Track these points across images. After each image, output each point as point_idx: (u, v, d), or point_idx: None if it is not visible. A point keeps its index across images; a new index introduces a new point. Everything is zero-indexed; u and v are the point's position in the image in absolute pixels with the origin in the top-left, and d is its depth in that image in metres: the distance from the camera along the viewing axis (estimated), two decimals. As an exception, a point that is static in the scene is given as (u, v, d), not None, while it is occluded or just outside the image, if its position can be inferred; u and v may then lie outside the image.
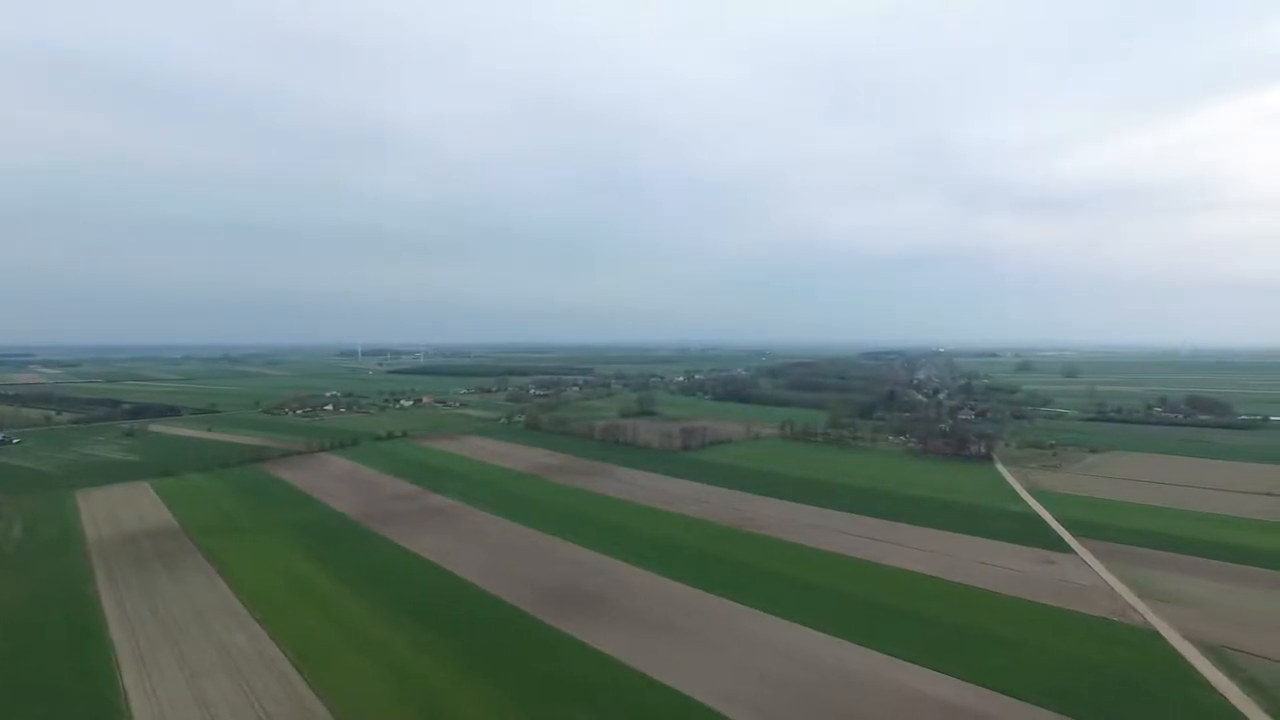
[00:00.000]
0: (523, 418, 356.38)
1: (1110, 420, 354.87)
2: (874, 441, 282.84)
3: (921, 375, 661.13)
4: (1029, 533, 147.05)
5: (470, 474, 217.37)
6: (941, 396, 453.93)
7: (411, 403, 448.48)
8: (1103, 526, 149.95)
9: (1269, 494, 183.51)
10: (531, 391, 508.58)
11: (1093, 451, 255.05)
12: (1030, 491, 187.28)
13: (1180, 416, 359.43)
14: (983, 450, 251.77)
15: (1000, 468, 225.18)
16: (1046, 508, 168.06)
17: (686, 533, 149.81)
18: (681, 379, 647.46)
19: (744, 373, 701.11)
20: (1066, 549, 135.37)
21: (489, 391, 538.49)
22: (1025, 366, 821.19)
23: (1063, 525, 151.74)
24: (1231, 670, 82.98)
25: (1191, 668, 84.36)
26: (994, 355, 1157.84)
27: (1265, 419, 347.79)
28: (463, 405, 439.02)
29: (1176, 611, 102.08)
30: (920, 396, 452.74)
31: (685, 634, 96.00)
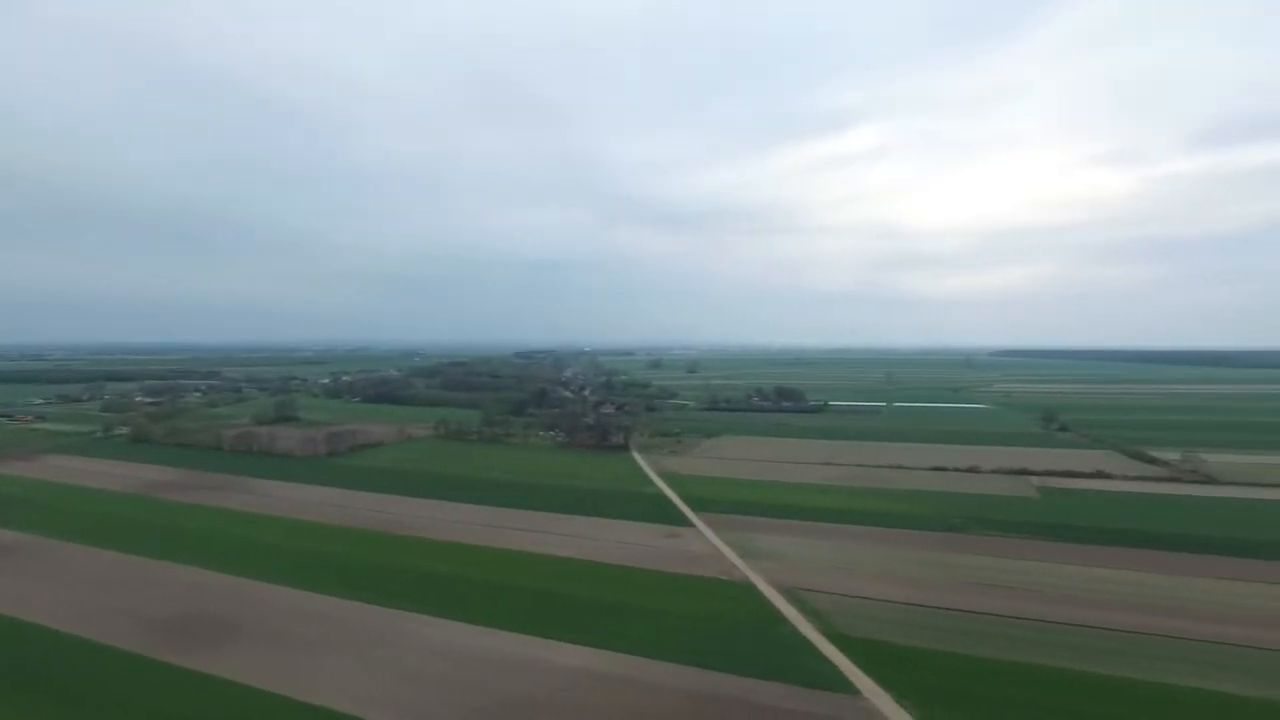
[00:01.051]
0: (126, 430, 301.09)
1: (721, 409, 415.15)
2: (526, 438, 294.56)
3: (569, 373, 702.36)
4: (658, 512, 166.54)
5: (52, 501, 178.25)
6: (586, 393, 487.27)
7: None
8: (716, 501, 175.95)
9: (828, 464, 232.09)
10: (138, 399, 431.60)
11: (708, 437, 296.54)
12: (660, 475, 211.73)
13: (770, 404, 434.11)
14: (621, 441, 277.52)
15: (636, 455, 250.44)
16: (673, 488, 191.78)
17: (331, 542, 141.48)
18: (327, 381, 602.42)
19: (396, 373, 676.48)
20: (688, 523, 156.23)
21: (77, 400, 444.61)
22: (656, 364, 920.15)
23: (685, 503, 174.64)
24: (801, 605, 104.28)
25: (775, 609, 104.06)
26: (631, 354, 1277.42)
27: (826, 403, 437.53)
28: (39, 419, 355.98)
29: (766, 565, 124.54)
30: (568, 393, 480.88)
31: (331, 647, 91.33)
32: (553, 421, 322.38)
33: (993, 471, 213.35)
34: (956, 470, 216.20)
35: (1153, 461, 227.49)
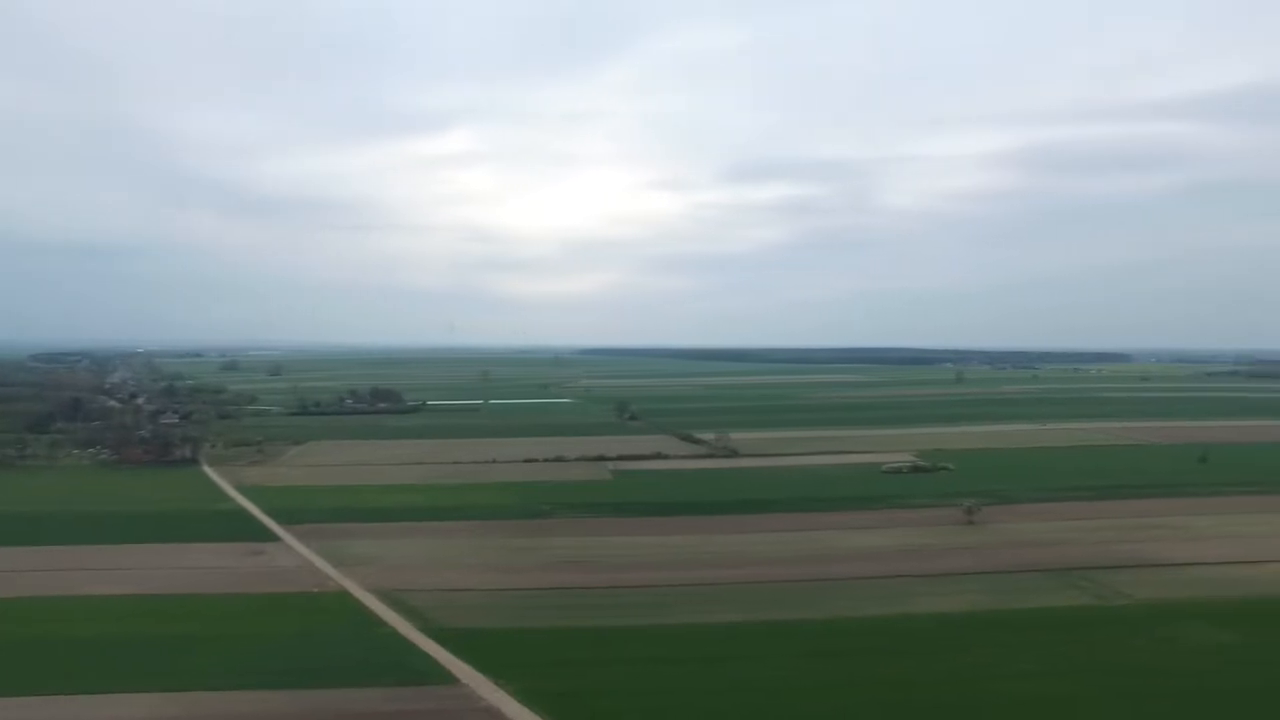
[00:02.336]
0: None
1: (311, 414, 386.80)
2: (55, 458, 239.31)
3: (116, 379, 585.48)
4: (238, 529, 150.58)
5: None
6: (140, 401, 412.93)
7: None
8: (306, 510, 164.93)
9: (424, 463, 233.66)
10: None
11: (296, 444, 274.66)
12: (238, 489, 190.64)
13: (366, 406, 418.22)
14: (188, 454, 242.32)
15: (207, 469, 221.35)
16: (254, 502, 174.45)
17: None
18: None
19: None
20: (274, 538, 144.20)
21: None
22: (231, 366, 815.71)
23: (270, 516, 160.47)
24: (400, 606, 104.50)
25: (372, 614, 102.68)
26: (200, 355, 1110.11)
27: (424, 403, 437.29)
28: None
29: (362, 571, 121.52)
30: (114, 402, 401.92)
31: None
32: (93, 437, 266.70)
33: (576, 460, 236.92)
34: (545, 461, 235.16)
35: (697, 442, 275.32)
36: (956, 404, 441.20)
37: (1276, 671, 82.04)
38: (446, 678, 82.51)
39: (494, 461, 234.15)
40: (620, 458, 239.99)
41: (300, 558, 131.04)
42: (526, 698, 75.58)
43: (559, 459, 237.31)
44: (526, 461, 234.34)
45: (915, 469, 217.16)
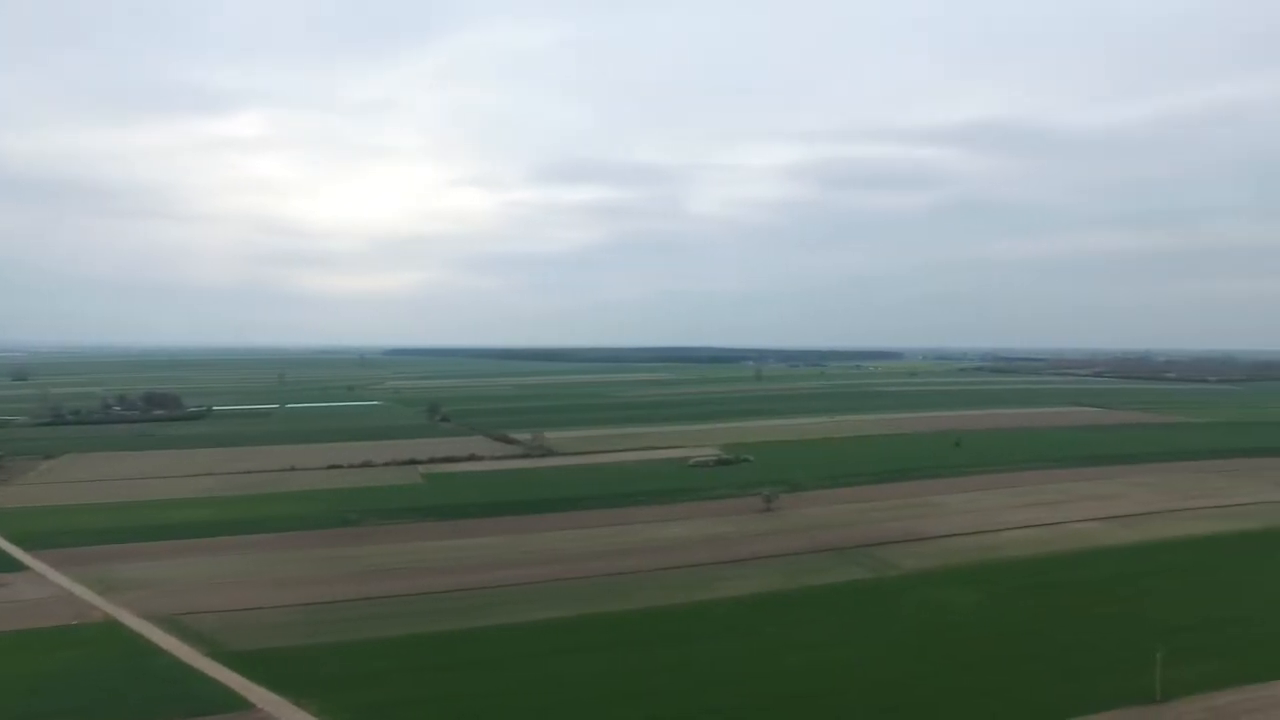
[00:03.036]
0: None
1: (68, 423, 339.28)
2: None
3: None
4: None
5: None
6: None
7: None
8: (61, 533, 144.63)
9: (210, 474, 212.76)
10: None
11: (48, 458, 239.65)
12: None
13: (138, 413, 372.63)
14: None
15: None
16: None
17: None
18: None
19: None
20: (21, 567, 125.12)
21: None
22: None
23: (13, 542, 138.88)
24: (182, 632, 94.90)
25: (149, 643, 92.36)
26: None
27: (210, 409, 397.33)
28: None
29: (135, 596, 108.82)
30: None
31: None
32: None
33: (385, 464, 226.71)
34: (351, 467, 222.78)
35: (512, 442, 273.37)
36: (756, 400, 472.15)
37: (1011, 620, 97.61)
38: (240, 704, 76.45)
39: (293, 469, 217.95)
40: (432, 460, 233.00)
41: (54, 587, 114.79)
42: (331, 715, 72.11)
43: (366, 464, 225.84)
44: (330, 468, 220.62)
45: (720, 462, 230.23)
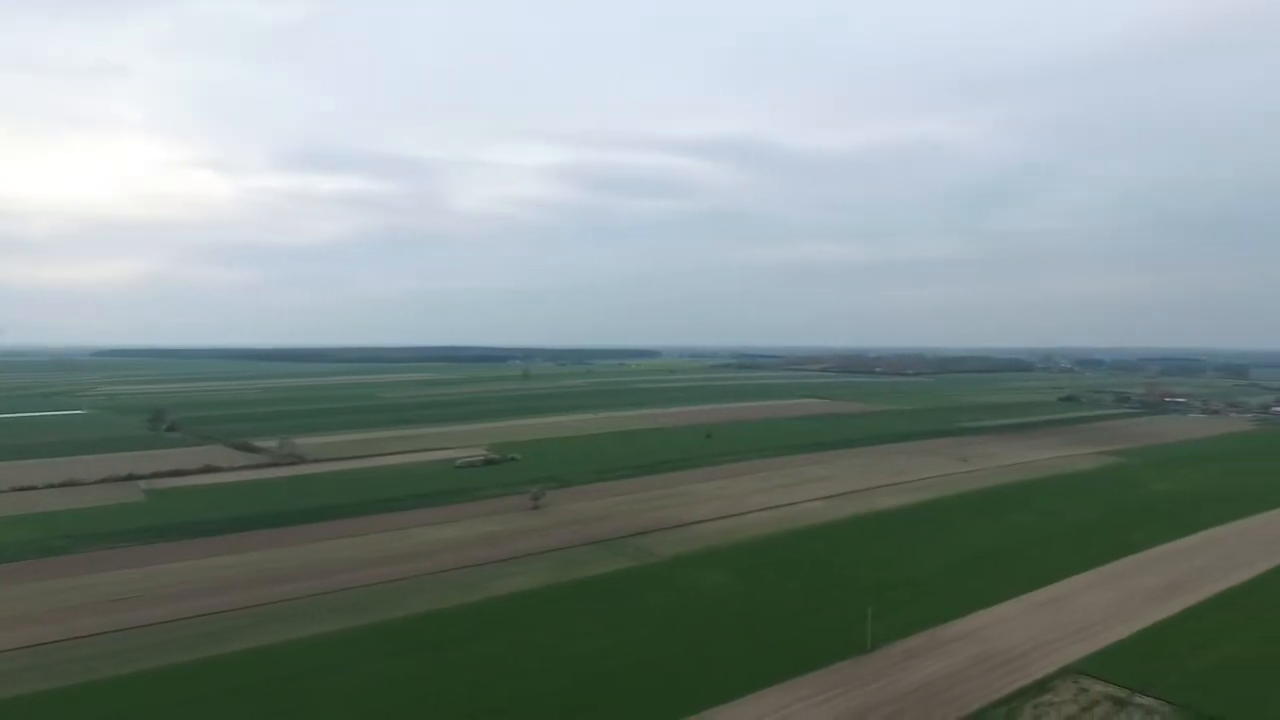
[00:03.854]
0: None
1: None
2: None
3: None
4: None
5: None
6: None
7: None
8: None
9: None
10: None
11: None
12: None
13: None
14: None
15: None
16: None
17: None
18: None
19: None
20: None
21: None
22: None
23: None
24: None
25: None
26: None
27: None
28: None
29: None
30: None
31: None
32: None
33: (97, 482, 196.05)
34: (50, 487, 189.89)
35: (257, 450, 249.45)
36: (524, 399, 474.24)
37: (754, 594, 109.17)
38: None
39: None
40: (156, 475, 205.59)
41: None
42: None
43: (71, 483, 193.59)
44: (22, 490, 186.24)
45: (487, 462, 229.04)
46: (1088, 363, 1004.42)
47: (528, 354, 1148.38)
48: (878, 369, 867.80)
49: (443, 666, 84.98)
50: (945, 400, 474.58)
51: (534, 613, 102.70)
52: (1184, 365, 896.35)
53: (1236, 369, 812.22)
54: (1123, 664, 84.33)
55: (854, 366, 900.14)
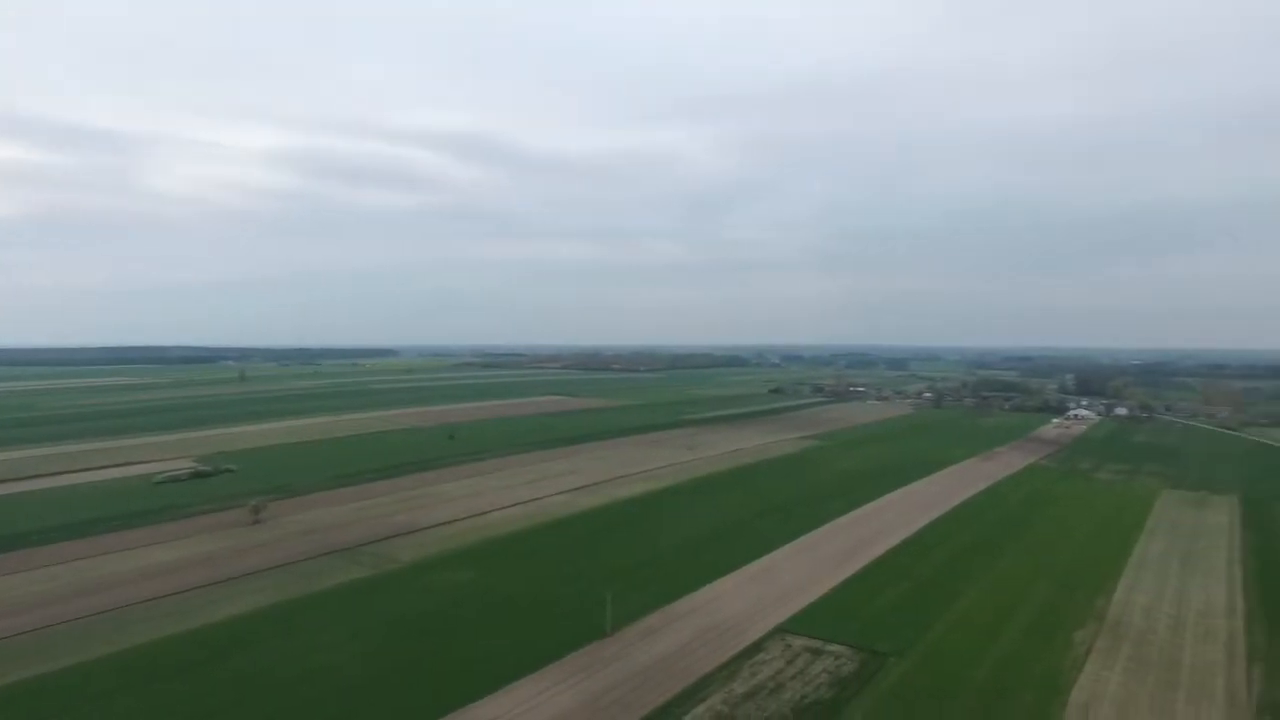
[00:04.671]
0: None
1: None
2: None
3: None
4: None
5: None
6: None
7: None
8: None
9: None
10: None
11: None
12: None
13: None
14: None
15: None
16: None
17: None
18: None
19: None
20: None
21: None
22: None
23: None
24: None
25: None
26: None
27: None
28: None
29: None
30: None
31: None
32: None
33: None
34: None
35: None
36: (241, 403, 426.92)
37: (500, 591, 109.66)
38: None
39: None
40: None
41: None
42: None
43: None
44: None
45: (196, 475, 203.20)
46: (792, 358, 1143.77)
47: (244, 354, 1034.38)
48: (615, 366, 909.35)
49: (173, 700, 74.66)
50: (675, 394, 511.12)
51: (265, 632, 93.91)
52: (862, 359, 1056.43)
53: (899, 362, 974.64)
54: (818, 619, 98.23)
55: (592, 364, 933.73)
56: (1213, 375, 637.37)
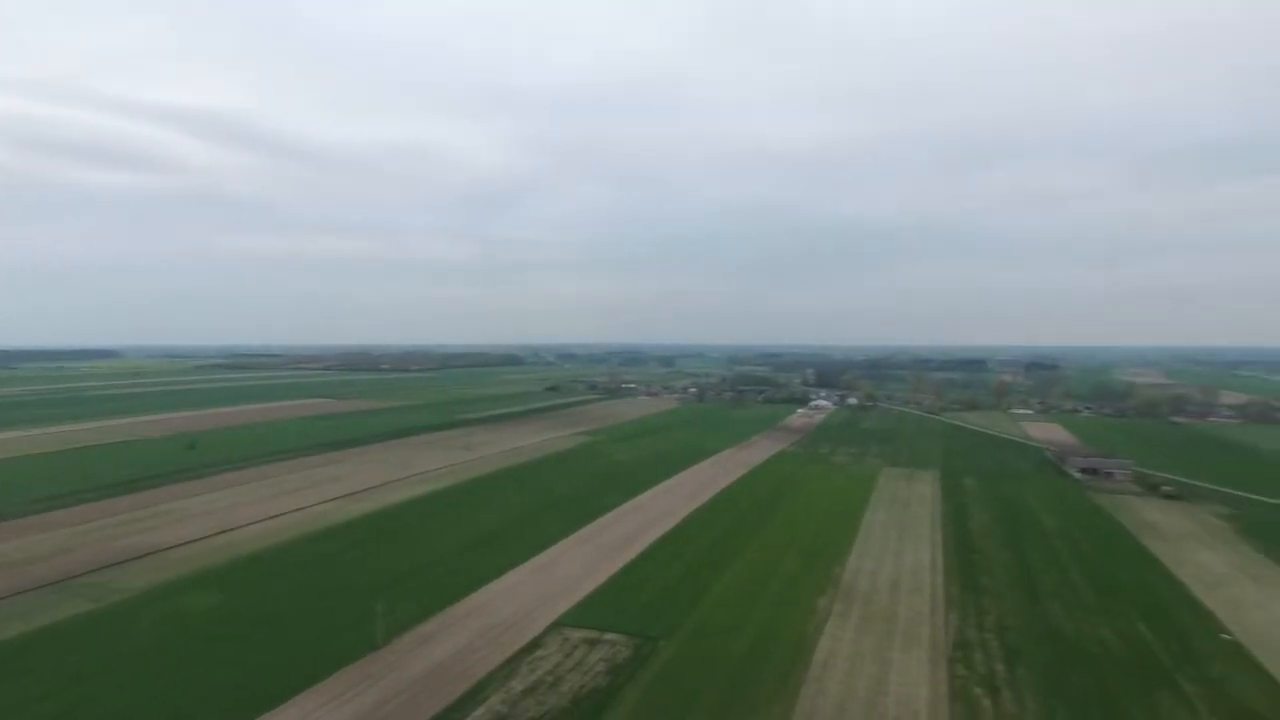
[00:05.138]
0: None
1: None
2: None
3: None
4: None
5: None
6: None
7: None
8: None
9: None
10: None
11: None
12: None
13: None
14: None
15: None
16: None
17: None
18: None
19: None
20: None
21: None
22: None
23: None
24: None
25: None
26: None
27: None
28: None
29: None
30: None
31: None
32: None
33: None
34: None
35: None
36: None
37: (253, 612, 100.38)
38: None
39: None
40: None
41: None
42: None
43: None
44: None
45: None
46: (566, 355, 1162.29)
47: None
48: (384, 366, 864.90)
49: None
50: (450, 394, 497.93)
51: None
52: (634, 357, 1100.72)
53: (668, 359, 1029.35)
54: (594, 610, 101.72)
55: (360, 364, 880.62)
56: (920, 369, 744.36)
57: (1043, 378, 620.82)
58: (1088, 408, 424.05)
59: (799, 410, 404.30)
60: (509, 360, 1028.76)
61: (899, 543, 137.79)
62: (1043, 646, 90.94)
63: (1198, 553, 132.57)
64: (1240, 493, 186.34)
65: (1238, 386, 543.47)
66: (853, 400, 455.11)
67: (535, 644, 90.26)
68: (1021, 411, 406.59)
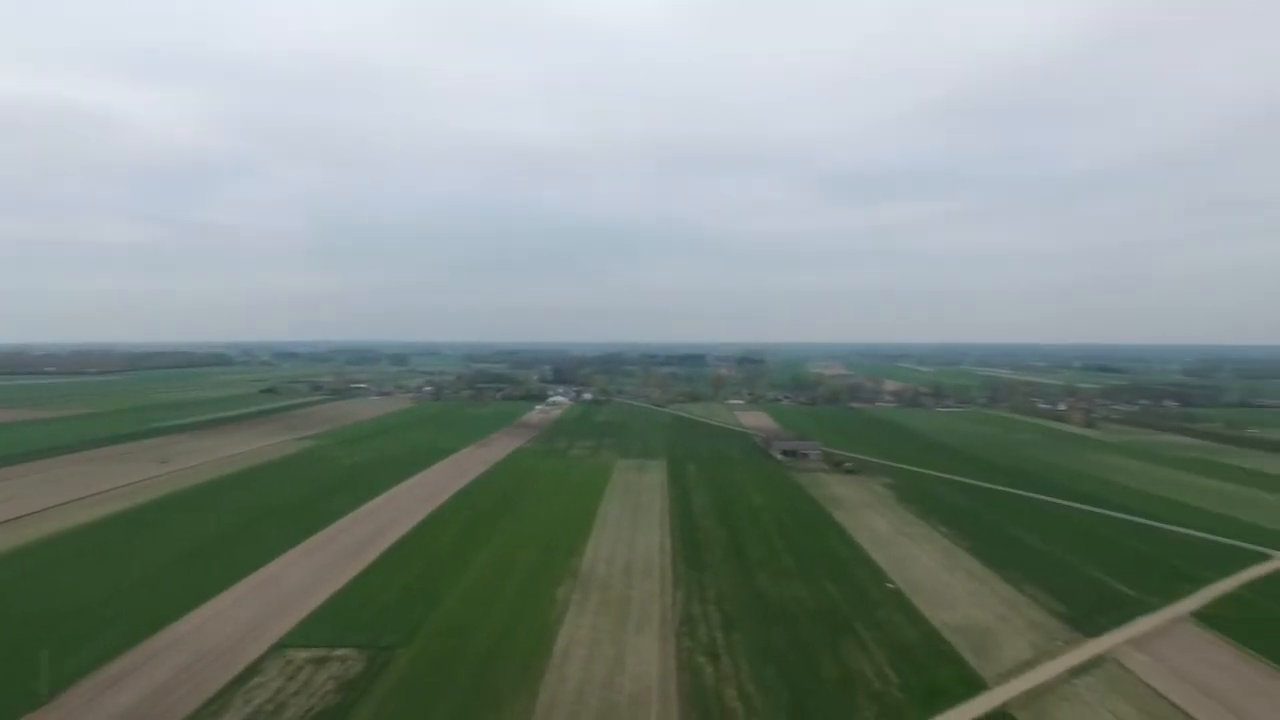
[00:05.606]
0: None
1: None
2: None
3: None
4: None
5: None
6: None
7: None
8: None
9: None
10: None
11: None
12: None
13: None
14: None
15: None
16: None
17: None
18: None
19: None
20: None
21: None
22: None
23: None
24: None
25: None
26: None
27: None
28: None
29: None
30: None
31: None
32: None
33: None
34: None
35: None
36: None
37: None
38: None
39: None
40: None
41: None
42: None
43: None
44: None
45: None
46: (285, 355, 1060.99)
47: None
48: (49, 369, 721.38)
49: None
50: (140, 399, 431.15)
51: None
52: (364, 355, 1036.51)
53: (401, 358, 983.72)
54: (321, 626, 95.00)
55: (15, 367, 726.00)
56: (648, 364, 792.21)
57: (752, 371, 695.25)
58: (787, 397, 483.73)
59: (537, 406, 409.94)
60: (217, 361, 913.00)
61: (632, 530, 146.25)
62: (753, 612, 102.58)
63: (870, 518, 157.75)
64: (898, 464, 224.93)
65: (897, 376, 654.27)
66: (588, 395, 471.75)
67: (252, 671, 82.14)
68: (735, 402, 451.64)
